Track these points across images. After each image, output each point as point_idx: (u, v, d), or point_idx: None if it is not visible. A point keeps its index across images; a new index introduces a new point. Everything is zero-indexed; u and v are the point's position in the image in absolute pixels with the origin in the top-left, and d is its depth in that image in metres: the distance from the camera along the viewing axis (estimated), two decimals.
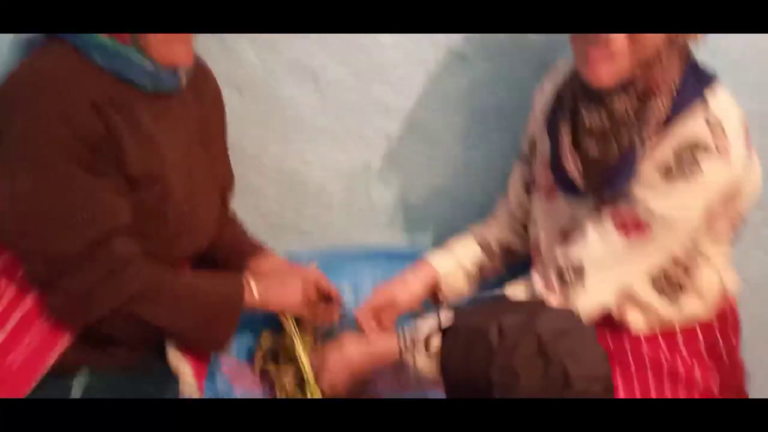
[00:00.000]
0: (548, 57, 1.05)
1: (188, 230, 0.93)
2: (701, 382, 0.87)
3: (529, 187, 1.00)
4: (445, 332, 0.81)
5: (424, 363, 0.87)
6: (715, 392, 0.87)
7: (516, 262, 1.06)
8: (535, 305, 0.81)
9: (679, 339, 0.90)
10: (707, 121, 0.75)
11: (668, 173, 0.76)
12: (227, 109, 1.08)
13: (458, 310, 0.86)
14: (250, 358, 1.05)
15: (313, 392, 0.94)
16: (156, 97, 0.85)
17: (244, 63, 1.08)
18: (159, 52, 0.80)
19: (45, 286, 0.80)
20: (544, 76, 0.99)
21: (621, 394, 0.87)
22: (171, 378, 0.90)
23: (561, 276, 0.83)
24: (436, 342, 0.85)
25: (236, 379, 1.02)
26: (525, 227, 1.03)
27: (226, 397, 0.98)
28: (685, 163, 0.75)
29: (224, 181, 1.06)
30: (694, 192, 0.76)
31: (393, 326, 0.98)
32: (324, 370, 0.92)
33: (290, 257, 1.24)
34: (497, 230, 1.05)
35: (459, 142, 1.16)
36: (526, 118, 1.02)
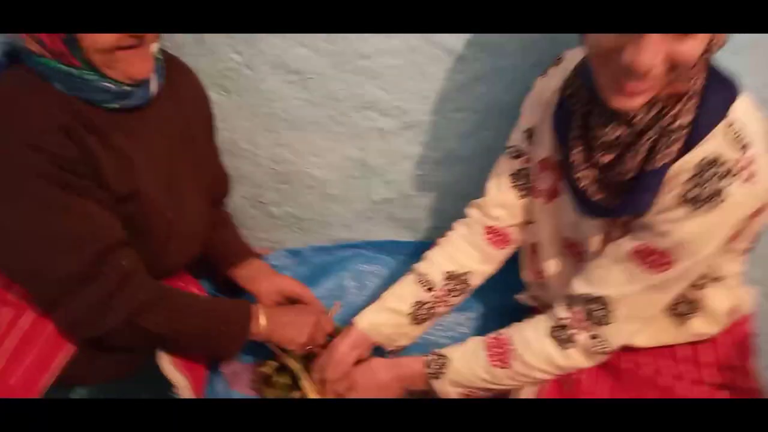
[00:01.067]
0: (546, 48, 0.97)
1: (176, 237, 0.93)
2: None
3: (517, 185, 0.94)
4: None
5: (450, 389, 0.89)
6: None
7: (474, 287, 1.02)
8: None
9: (679, 357, 0.86)
10: (730, 141, 0.68)
11: (691, 202, 0.69)
12: (214, 107, 1.06)
13: None
14: (252, 357, 1.06)
15: None
16: (127, 112, 0.84)
17: (226, 61, 1.05)
18: (112, 70, 0.78)
19: (52, 306, 0.82)
20: (548, 66, 0.92)
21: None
22: (168, 389, 0.93)
23: (589, 313, 0.80)
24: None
25: (236, 382, 1.04)
26: (496, 238, 0.98)
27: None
28: (708, 189, 0.68)
29: (215, 183, 1.05)
30: (720, 220, 0.69)
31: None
32: (354, 392, 0.93)
33: (293, 254, 1.25)
34: (445, 259, 0.99)
35: (455, 136, 1.11)
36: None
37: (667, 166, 0.71)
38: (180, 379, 0.93)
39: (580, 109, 0.78)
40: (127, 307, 0.82)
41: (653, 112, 0.71)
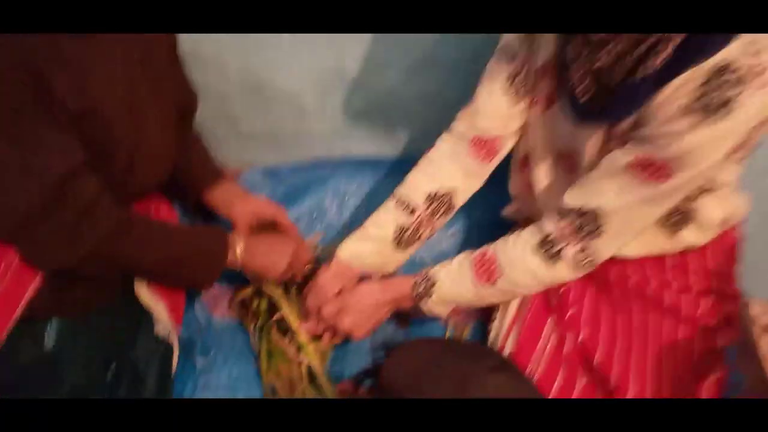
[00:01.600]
0: None
1: (141, 160, 0.87)
2: (688, 311, 0.83)
3: (510, 90, 0.87)
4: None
5: (437, 308, 0.89)
6: (705, 321, 0.83)
7: (459, 206, 0.98)
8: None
9: (668, 265, 0.85)
10: (745, 46, 0.62)
11: (699, 111, 0.64)
12: None
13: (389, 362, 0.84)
14: (232, 283, 1.03)
15: (304, 347, 0.94)
16: None
17: None
18: None
19: (14, 239, 0.77)
20: None
21: (602, 322, 0.84)
22: (145, 318, 0.90)
23: (580, 226, 0.77)
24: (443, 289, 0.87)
25: (216, 307, 1.02)
26: (483, 150, 0.92)
27: (204, 326, 0.98)
28: (717, 98, 0.62)
29: (181, 100, 0.97)
30: (727, 131, 0.64)
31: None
32: (345, 314, 0.91)
33: (269, 173, 1.19)
34: (426, 180, 0.94)
35: (437, 40, 1.03)
36: None
37: (661, 73, 0.66)
38: (158, 307, 0.90)
39: None
40: (92, 237, 0.77)
41: None
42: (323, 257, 1.01)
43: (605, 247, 0.78)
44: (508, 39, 0.87)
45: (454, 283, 0.86)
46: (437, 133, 0.99)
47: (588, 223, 0.77)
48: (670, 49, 0.65)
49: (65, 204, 0.75)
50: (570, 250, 0.79)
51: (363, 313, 0.92)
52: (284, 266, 0.93)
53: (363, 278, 0.97)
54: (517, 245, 0.83)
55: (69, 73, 0.74)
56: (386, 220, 0.95)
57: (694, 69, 0.64)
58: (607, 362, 0.81)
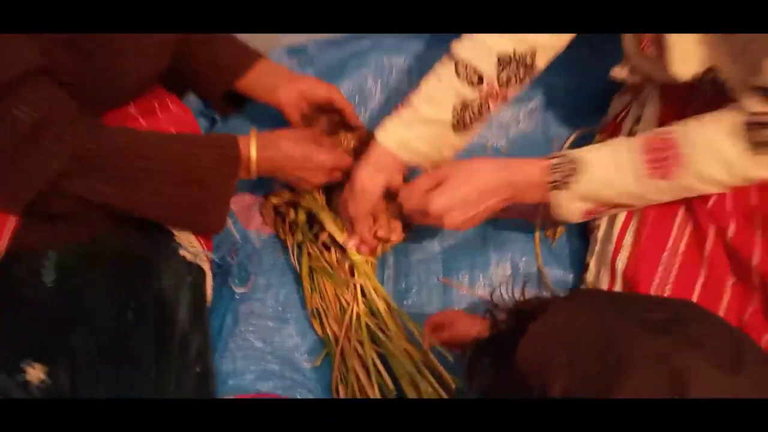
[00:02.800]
0: None
1: (129, 49, 0.69)
2: None
3: None
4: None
5: (572, 204, 0.68)
6: None
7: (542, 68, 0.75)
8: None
9: None
10: None
11: None
12: None
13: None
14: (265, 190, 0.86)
15: (357, 266, 0.78)
16: None
17: None
18: None
19: None
20: None
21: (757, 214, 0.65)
22: (165, 239, 0.73)
23: None
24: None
25: (250, 219, 0.84)
26: None
27: (240, 244, 0.82)
28: None
29: None
30: None
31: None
32: (441, 193, 0.70)
33: (292, 53, 0.97)
34: (497, 35, 0.72)
35: None
36: None
37: None
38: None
39: None
40: (39, 172, 0.61)
41: None
42: None
43: None
44: None
45: (611, 169, 0.66)
46: None
47: None
48: None
49: (11, 116, 0.58)
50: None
51: (467, 195, 0.70)
52: (320, 175, 0.76)
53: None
54: (710, 126, 0.62)
55: None
56: (443, 94, 0.74)
57: None
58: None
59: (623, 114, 0.81)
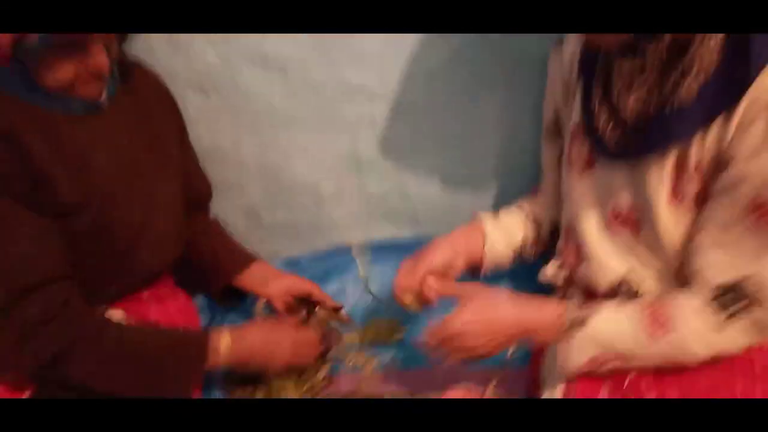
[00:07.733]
0: None
1: (147, 240, 0.87)
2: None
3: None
4: None
5: (584, 347, 0.71)
6: None
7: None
8: None
9: None
10: None
11: None
12: (193, 111, 1.01)
13: None
14: None
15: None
16: (81, 115, 0.79)
17: (203, 62, 1.01)
18: (44, 79, 0.72)
19: None
20: (555, 45, 0.85)
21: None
22: None
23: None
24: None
25: None
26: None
27: None
28: None
29: (192, 185, 1.00)
30: None
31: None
32: (461, 332, 0.74)
33: (291, 263, 1.17)
34: (548, 207, 0.93)
35: (444, 117, 1.05)
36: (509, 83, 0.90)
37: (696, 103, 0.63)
38: None
39: (601, 63, 0.74)
40: (32, 359, 0.75)
41: (668, 45, 0.65)
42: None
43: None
44: (546, 123, 0.89)
45: (613, 321, 0.71)
46: (456, 211, 0.98)
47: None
48: (702, 77, 0.63)
49: (24, 313, 0.73)
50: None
51: (480, 331, 0.74)
52: (287, 355, 0.88)
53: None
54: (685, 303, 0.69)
55: (68, 162, 0.76)
56: (515, 226, 0.93)
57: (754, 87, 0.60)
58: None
59: None
